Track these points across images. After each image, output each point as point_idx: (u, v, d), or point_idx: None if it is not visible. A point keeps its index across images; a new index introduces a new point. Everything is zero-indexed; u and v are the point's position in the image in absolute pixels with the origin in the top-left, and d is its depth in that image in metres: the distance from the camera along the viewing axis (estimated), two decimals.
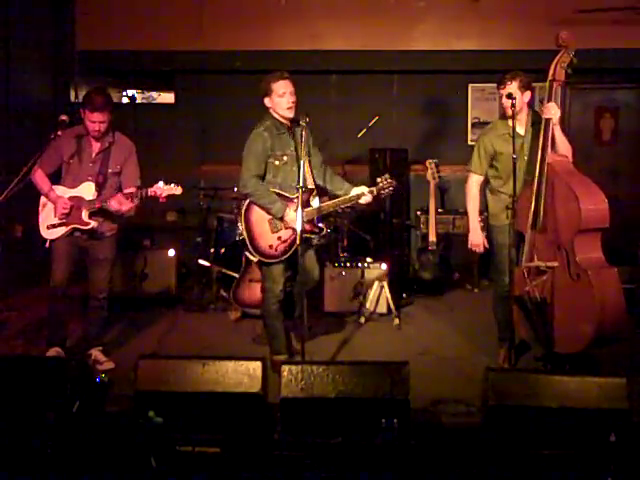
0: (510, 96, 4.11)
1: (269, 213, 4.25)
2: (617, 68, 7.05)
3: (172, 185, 4.27)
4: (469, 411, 3.75)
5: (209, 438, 3.11)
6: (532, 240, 4.15)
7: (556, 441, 3.06)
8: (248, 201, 4.30)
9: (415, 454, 3.06)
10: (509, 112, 4.20)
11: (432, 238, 6.17)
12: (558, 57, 4.14)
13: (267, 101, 4.28)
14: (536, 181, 4.09)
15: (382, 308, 5.73)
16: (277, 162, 4.26)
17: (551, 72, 4.16)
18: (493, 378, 3.20)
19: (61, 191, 4.39)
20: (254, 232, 4.30)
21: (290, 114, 4.22)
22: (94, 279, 4.55)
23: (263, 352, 4.24)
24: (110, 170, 4.44)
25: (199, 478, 3.07)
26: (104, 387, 3.89)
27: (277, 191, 4.27)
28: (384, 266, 5.78)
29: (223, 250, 6.13)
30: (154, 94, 9.26)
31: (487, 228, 4.66)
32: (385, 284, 5.72)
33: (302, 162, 4.02)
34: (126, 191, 4.39)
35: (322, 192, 4.50)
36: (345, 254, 6.17)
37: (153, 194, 4.26)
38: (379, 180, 4.32)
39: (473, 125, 7.50)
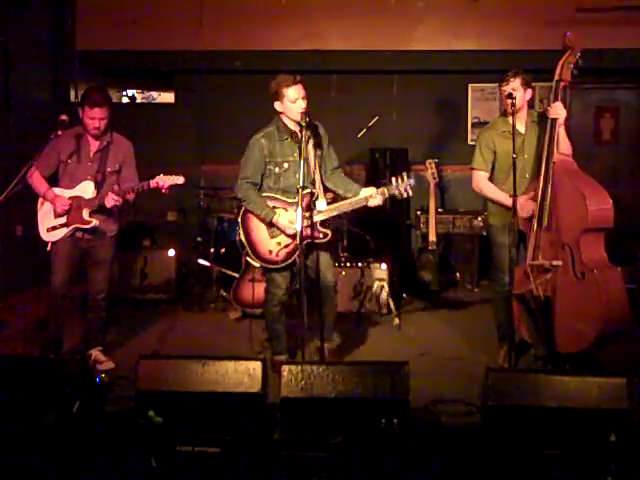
0: (510, 96, 4.12)
1: (258, 218, 4.22)
2: (617, 68, 7.05)
3: (173, 176, 4.26)
4: (469, 411, 3.75)
5: (209, 438, 3.11)
6: (536, 238, 4.15)
7: (556, 441, 3.06)
8: (244, 207, 4.30)
9: (415, 454, 3.06)
10: (508, 109, 4.21)
11: (432, 238, 6.17)
12: (564, 57, 4.15)
13: (277, 105, 4.15)
14: (542, 180, 4.11)
15: (382, 308, 5.73)
16: (277, 169, 4.21)
17: (557, 72, 4.17)
18: (493, 378, 3.21)
19: (59, 192, 4.38)
20: (253, 238, 4.27)
21: (300, 118, 4.07)
22: (93, 280, 4.55)
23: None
24: (109, 169, 4.43)
25: (199, 478, 3.07)
26: (104, 387, 3.90)
27: (273, 195, 4.23)
28: (384, 266, 5.78)
29: (223, 250, 6.13)
30: (154, 94, 9.27)
31: (487, 227, 4.66)
32: (385, 284, 5.72)
33: (302, 163, 3.99)
34: (124, 186, 4.37)
35: (334, 198, 4.46)
36: (345, 254, 6.16)
37: (155, 185, 4.25)
38: (394, 180, 4.08)
39: (473, 125, 7.49)
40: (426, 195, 6.28)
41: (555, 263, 4.08)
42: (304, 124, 3.99)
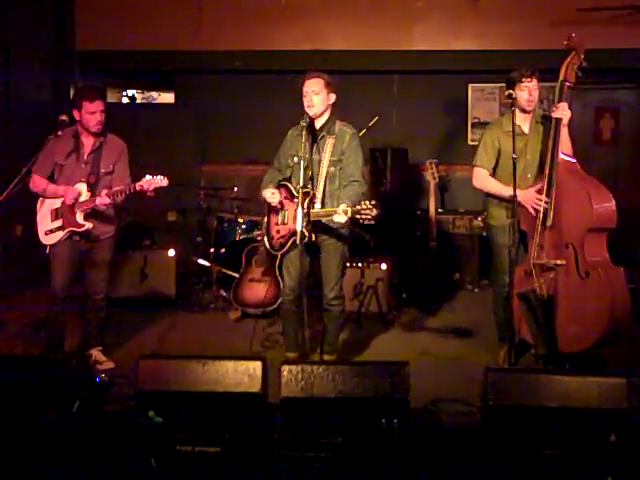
0: (510, 96, 4.12)
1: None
2: (617, 68, 7.04)
3: (158, 177, 4.22)
4: (469, 411, 3.75)
5: (209, 438, 3.11)
6: (540, 238, 4.16)
7: (556, 441, 3.06)
8: None
9: (415, 454, 3.05)
10: (528, 107, 4.26)
11: (432, 238, 6.17)
12: (569, 59, 4.16)
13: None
14: (546, 180, 4.12)
15: (382, 308, 5.73)
16: (290, 162, 4.31)
17: (562, 73, 4.18)
18: (493, 378, 3.20)
19: (52, 195, 4.37)
20: (270, 219, 4.41)
21: (310, 113, 4.12)
22: (92, 281, 4.55)
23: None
24: (103, 170, 4.42)
25: (199, 478, 3.07)
26: (104, 387, 3.90)
27: (285, 183, 4.32)
28: (384, 266, 5.78)
29: (223, 250, 6.13)
30: (154, 94, 9.29)
31: (487, 228, 4.66)
32: (385, 284, 5.72)
33: (301, 162, 3.99)
34: (114, 189, 4.35)
35: None
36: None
37: (140, 188, 4.21)
38: (361, 204, 3.85)
39: (473, 125, 7.50)
40: (426, 195, 6.28)
41: (559, 262, 4.10)
42: (304, 123, 4.03)
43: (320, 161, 4.18)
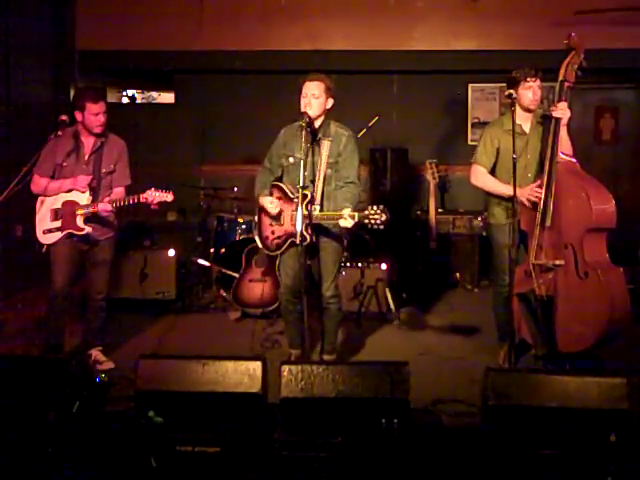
0: (510, 96, 4.12)
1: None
2: (617, 68, 7.05)
3: (163, 192, 4.25)
4: (469, 411, 3.75)
5: (209, 438, 3.11)
6: (539, 238, 4.16)
7: (556, 441, 3.06)
8: None
9: (415, 454, 3.05)
10: (532, 106, 4.27)
11: (432, 238, 6.17)
12: (569, 58, 4.16)
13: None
14: (545, 179, 4.12)
15: (382, 308, 5.73)
16: (285, 162, 4.29)
17: (562, 73, 4.17)
18: (493, 378, 3.20)
19: (54, 198, 4.37)
20: (261, 219, 4.38)
21: (308, 114, 4.09)
22: (93, 281, 4.55)
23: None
24: (104, 170, 4.42)
25: (199, 478, 3.07)
26: (104, 387, 3.90)
27: (279, 184, 4.29)
28: (384, 266, 5.78)
29: (223, 250, 6.13)
30: (154, 94, 9.29)
31: (487, 228, 4.66)
32: (385, 284, 5.72)
33: (301, 163, 3.99)
34: (114, 196, 4.36)
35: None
36: (345, 254, 6.16)
37: (144, 201, 4.24)
38: (369, 209, 3.79)
39: (473, 125, 7.50)
40: (426, 195, 6.29)
41: (558, 262, 4.09)
42: (304, 124, 4.01)
43: (317, 163, 4.17)
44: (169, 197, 4.27)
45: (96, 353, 4.56)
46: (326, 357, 4.42)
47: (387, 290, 5.70)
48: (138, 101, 8.91)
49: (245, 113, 7.29)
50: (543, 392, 3.16)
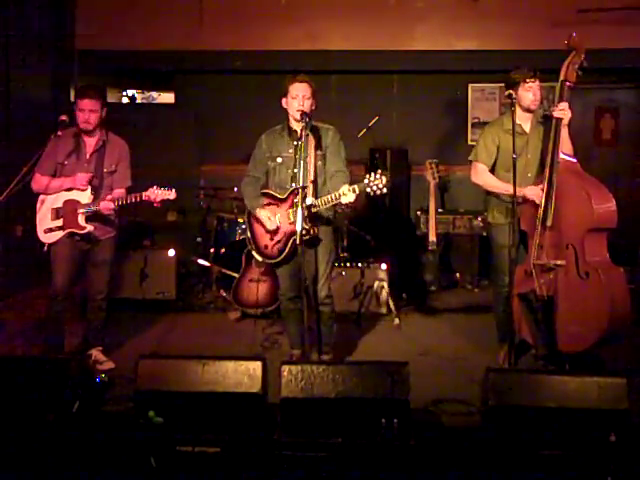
0: (510, 96, 4.12)
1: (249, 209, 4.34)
2: (617, 68, 7.05)
3: (166, 189, 4.26)
4: (469, 411, 3.75)
5: (209, 438, 3.11)
6: (540, 238, 4.16)
7: (556, 441, 3.06)
8: None
9: (415, 454, 3.05)
10: (533, 107, 4.27)
11: (432, 238, 6.16)
12: (570, 58, 4.15)
13: (284, 101, 4.25)
14: (546, 179, 4.12)
15: (382, 308, 5.73)
16: (272, 164, 4.30)
17: (562, 73, 4.17)
18: (493, 378, 3.21)
19: (55, 196, 4.37)
20: (255, 231, 4.35)
21: (299, 117, 4.12)
22: (93, 281, 4.55)
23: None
24: (105, 170, 4.42)
25: (199, 478, 3.07)
26: (104, 387, 3.90)
27: (268, 191, 4.30)
28: (384, 266, 5.78)
29: (223, 250, 6.13)
30: (154, 94, 9.28)
31: (487, 227, 4.66)
32: (385, 284, 5.72)
33: (301, 163, 3.99)
34: (115, 195, 4.36)
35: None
36: (345, 254, 6.17)
37: (147, 199, 4.24)
38: (367, 177, 3.83)
39: (473, 125, 7.50)
40: (426, 195, 6.27)
41: (559, 262, 4.09)
42: (303, 124, 4.03)
43: (306, 157, 4.15)
44: (172, 194, 4.28)
45: (96, 353, 4.55)
46: (325, 357, 4.43)
47: (387, 290, 5.71)
48: (138, 101, 8.91)
49: (245, 113, 7.29)
50: (543, 392, 3.17)
